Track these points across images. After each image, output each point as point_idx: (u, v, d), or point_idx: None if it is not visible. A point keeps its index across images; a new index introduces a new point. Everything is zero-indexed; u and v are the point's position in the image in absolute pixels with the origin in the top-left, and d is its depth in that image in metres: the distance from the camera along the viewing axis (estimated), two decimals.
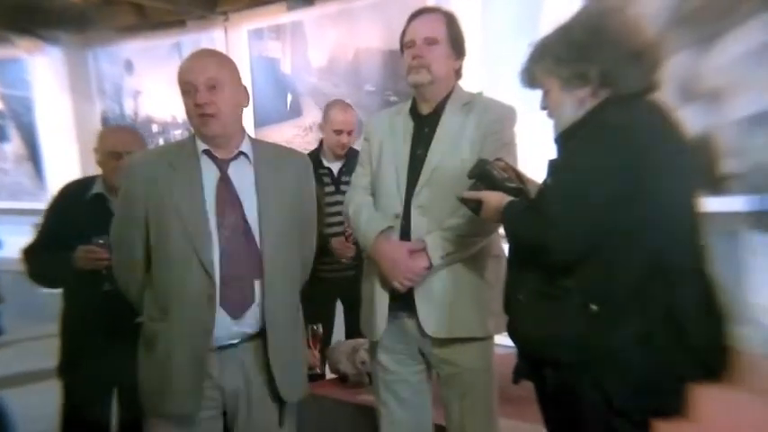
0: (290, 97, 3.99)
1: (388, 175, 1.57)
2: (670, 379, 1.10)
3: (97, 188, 1.86)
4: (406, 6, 1.68)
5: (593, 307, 1.08)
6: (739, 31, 2.20)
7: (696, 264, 1.11)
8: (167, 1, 4.03)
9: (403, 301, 1.54)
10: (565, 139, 1.19)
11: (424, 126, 1.57)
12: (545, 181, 1.22)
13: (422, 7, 1.59)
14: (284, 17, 3.94)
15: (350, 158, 2.52)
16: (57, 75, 5.00)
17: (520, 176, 1.34)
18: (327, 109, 2.57)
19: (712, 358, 1.09)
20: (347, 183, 2.32)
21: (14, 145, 5.39)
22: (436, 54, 1.52)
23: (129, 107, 4.98)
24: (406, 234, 1.54)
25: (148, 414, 1.48)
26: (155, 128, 4.86)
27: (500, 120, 1.55)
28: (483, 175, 1.31)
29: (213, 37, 4.27)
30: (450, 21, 1.56)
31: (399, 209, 1.55)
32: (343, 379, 2.15)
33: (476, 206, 1.31)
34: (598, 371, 1.09)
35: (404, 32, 1.58)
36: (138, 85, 4.90)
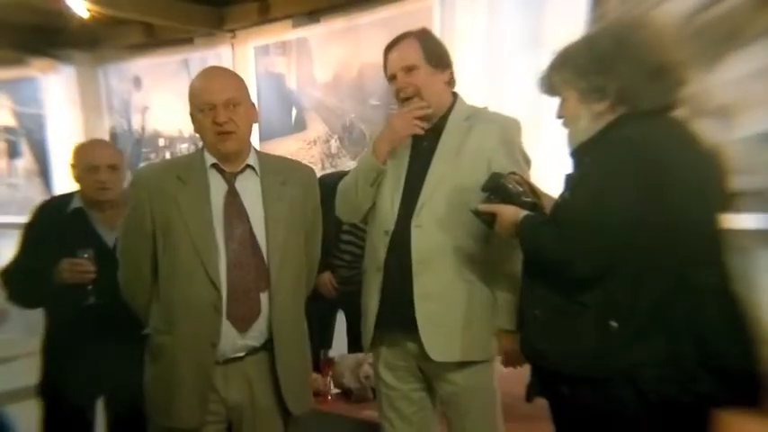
0: (294, 112, 4.03)
1: (385, 191, 1.56)
2: (695, 401, 1.06)
3: (76, 203, 1.84)
4: (411, 22, 1.70)
5: (613, 323, 1.06)
6: (746, 52, 2.21)
7: (721, 282, 1.08)
8: (176, 19, 4.09)
9: (400, 323, 1.51)
10: (581, 153, 1.17)
11: (423, 140, 1.55)
12: (562, 194, 1.20)
13: (394, 38, 1.60)
14: (290, 34, 4.00)
15: None
16: (68, 92, 5.08)
17: (534, 190, 1.32)
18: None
19: (742, 382, 1.05)
20: None
21: (26, 161, 5.46)
22: (420, 79, 1.51)
23: (136, 122, 5.04)
24: (398, 252, 1.50)
25: (153, 426, 1.48)
26: (161, 142, 4.91)
27: (506, 134, 1.53)
28: (497, 188, 1.29)
29: (220, 53, 4.34)
30: (423, 40, 1.55)
31: (391, 226, 1.52)
32: (346, 393, 2.13)
33: (490, 220, 1.30)
34: (618, 389, 1.06)
35: (384, 68, 1.59)
36: (146, 101, 4.97)
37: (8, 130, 5.52)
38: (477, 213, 1.33)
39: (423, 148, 1.55)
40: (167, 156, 4.83)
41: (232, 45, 4.28)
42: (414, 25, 1.67)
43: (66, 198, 1.88)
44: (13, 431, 1.54)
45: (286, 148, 3.98)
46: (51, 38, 4.77)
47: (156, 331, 1.46)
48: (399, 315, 1.50)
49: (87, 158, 1.83)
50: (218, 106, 1.40)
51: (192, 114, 1.46)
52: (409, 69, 1.51)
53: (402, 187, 1.54)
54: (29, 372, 1.89)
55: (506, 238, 1.31)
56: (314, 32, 3.88)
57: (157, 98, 4.89)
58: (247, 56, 4.18)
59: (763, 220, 2.00)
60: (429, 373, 1.55)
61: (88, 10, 3.64)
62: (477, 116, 1.56)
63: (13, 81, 5.35)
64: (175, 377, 1.41)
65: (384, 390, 1.60)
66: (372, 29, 3.57)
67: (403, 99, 1.54)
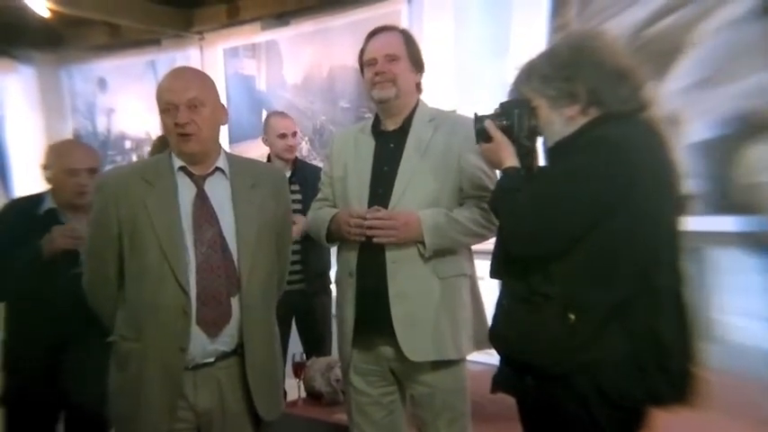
0: (264, 114, 4.02)
1: (351, 195, 1.56)
2: (650, 400, 1.09)
3: (48, 204, 1.81)
4: (378, 26, 1.72)
5: (571, 316, 1.08)
6: (685, 65, 2.34)
7: (677, 283, 1.11)
8: (141, 20, 4.02)
9: (375, 325, 1.50)
10: (555, 152, 1.20)
11: (389, 142, 1.56)
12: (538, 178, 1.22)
13: (378, 26, 1.62)
14: (259, 36, 3.98)
15: (298, 167, 2.61)
16: (28, 93, 4.94)
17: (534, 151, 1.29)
18: (266, 120, 2.70)
19: (684, 381, 1.09)
20: (296, 191, 2.37)
21: None
22: (399, 68, 1.53)
23: (102, 124, 4.93)
24: (371, 254, 1.50)
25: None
26: (128, 144, 4.82)
27: (472, 134, 1.52)
28: (511, 113, 1.24)
29: (189, 55, 4.28)
30: (407, 37, 1.59)
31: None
32: (317, 397, 2.12)
33: (486, 138, 1.27)
34: (579, 384, 1.08)
35: (363, 51, 1.59)
36: (112, 103, 4.86)
37: None
38: (479, 120, 1.28)
39: (388, 149, 1.55)
40: (134, 158, 4.74)
41: (200, 47, 4.23)
42: None
43: (37, 198, 1.84)
44: None
45: (256, 150, 3.94)
46: (10, 37, 4.62)
47: (122, 338, 1.43)
48: (374, 317, 1.49)
49: (67, 161, 1.79)
50: (180, 107, 1.36)
51: (159, 115, 1.44)
52: (391, 58, 1.53)
53: (368, 189, 1.53)
54: None
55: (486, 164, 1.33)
56: (283, 35, 3.87)
57: (123, 100, 4.80)
58: (216, 58, 4.14)
59: (703, 222, 2.10)
60: (402, 375, 1.55)
61: (49, 9, 3.54)
62: (442, 117, 1.58)
63: None
64: (143, 384, 1.38)
65: (354, 395, 1.59)
66: (342, 32, 3.59)
67: (377, 83, 1.53)
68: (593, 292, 1.08)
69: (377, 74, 1.53)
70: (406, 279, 1.48)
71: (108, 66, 4.77)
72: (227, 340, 1.42)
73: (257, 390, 1.44)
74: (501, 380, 1.23)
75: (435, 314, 1.48)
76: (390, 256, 1.48)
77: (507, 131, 1.24)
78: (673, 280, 1.11)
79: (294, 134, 2.62)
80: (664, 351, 1.07)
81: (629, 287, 1.08)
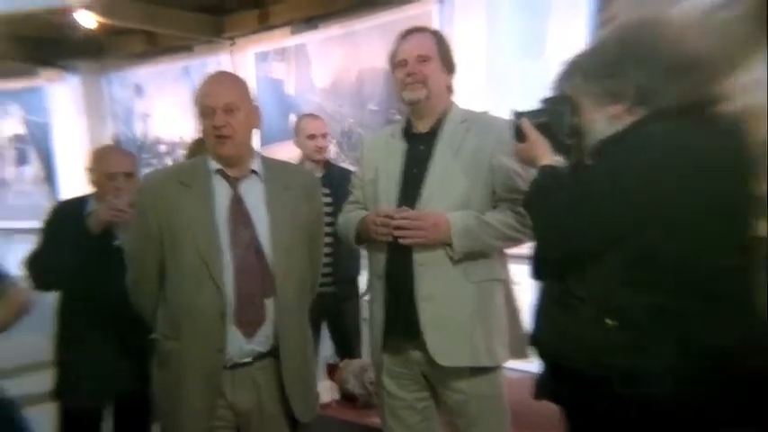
0: (293, 117, 4.07)
1: (381, 197, 1.54)
2: (697, 415, 1.00)
3: (92, 206, 1.87)
4: (409, 27, 1.71)
5: (609, 321, 1.03)
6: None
7: (744, 292, 1.03)
8: (176, 28, 4.14)
9: (404, 328, 1.48)
10: (597, 150, 1.13)
11: (420, 144, 1.54)
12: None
13: (410, 27, 1.61)
14: (289, 40, 4.02)
15: (329, 169, 2.62)
16: (73, 101, 5.15)
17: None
18: (297, 122, 2.72)
19: (746, 398, 0.99)
20: (327, 194, 2.33)
21: (34, 168, 5.54)
22: (431, 69, 1.51)
23: (138, 129, 5.09)
24: (399, 256, 1.48)
25: (164, 428, 1.50)
26: (162, 148, 4.96)
27: (504, 134, 1.46)
28: (553, 110, 1.20)
29: (220, 60, 4.38)
30: (439, 38, 1.57)
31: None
32: (351, 399, 2.11)
33: (521, 137, 1.23)
34: (618, 388, 1.01)
35: (394, 53, 1.57)
36: (148, 108, 5.01)
37: (18, 138, 5.59)
38: (517, 116, 1.24)
39: (418, 152, 1.53)
40: (168, 162, 4.87)
41: (231, 52, 4.32)
42: None
43: (82, 201, 1.92)
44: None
45: (285, 153, 3.99)
46: (58, 49, 4.86)
47: (163, 337, 1.47)
48: (402, 319, 1.48)
49: (105, 165, 1.87)
50: (217, 110, 1.41)
51: (197, 118, 1.48)
52: (423, 59, 1.51)
53: (398, 192, 1.52)
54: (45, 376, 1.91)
55: (519, 162, 1.29)
56: (312, 39, 3.90)
57: (158, 105, 4.93)
58: (247, 62, 4.22)
59: None
60: (434, 381, 1.52)
61: (95, 21, 3.71)
62: (473, 118, 1.55)
63: (23, 91, 5.43)
64: (183, 382, 1.42)
65: (387, 399, 1.58)
66: (370, 34, 3.59)
67: (408, 84, 1.51)
68: (634, 296, 1.03)
69: (408, 75, 1.51)
70: (435, 282, 1.46)
71: (144, 73, 4.91)
72: (262, 341, 1.44)
73: (293, 391, 1.46)
74: (543, 385, 1.19)
75: (466, 319, 1.45)
76: (418, 257, 1.46)
77: (546, 129, 1.21)
78: (738, 287, 1.03)
79: (324, 135, 2.62)
80: (721, 363, 0.99)
81: (678, 293, 1.01)
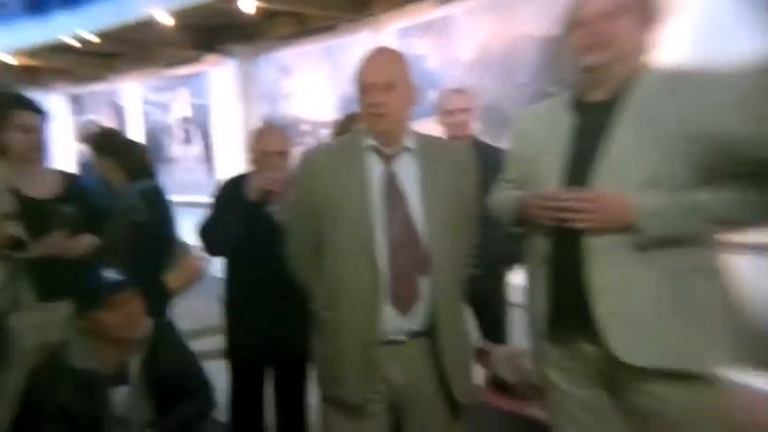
0: (432, 93, 4.01)
1: (545, 175, 1.36)
2: None
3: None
4: None
5: None
6: None
7: None
8: (323, 8, 4.28)
9: (573, 320, 1.31)
10: None
11: (594, 115, 1.32)
12: None
13: None
14: (434, 13, 3.92)
15: (475, 148, 2.45)
16: (228, 84, 5.64)
17: None
18: (439, 98, 2.60)
19: None
20: None
21: (197, 147, 6.21)
22: (621, 27, 1.26)
23: (283, 108, 5.40)
24: (567, 239, 1.30)
25: (324, 393, 1.54)
26: (304, 127, 5.21)
27: (733, 97, 1.17)
28: None
29: (361, 38, 4.45)
30: None
31: None
32: (501, 386, 2.01)
33: None
34: None
35: (570, 11, 1.33)
36: (292, 88, 5.28)
37: (185, 119, 6.30)
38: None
39: (592, 124, 1.32)
40: (309, 141, 5.11)
41: (374, 29, 4.36)
42: None
43: (244, 176, 2.04)
44: (210, 385, 1.75)
45: (425, 129, 3.98)
46: (220, 35, 5.34)
47: (321, 307, 1.51)
48: (572, 310, 1.32)
49: (260, 144, 1.98)
50: (373, 87, 1.41)
51: (358, 94, 1.48)
52: (609, 17, 1.26)
53: (564, 170, 1.33)
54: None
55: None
56: (460, 8, 3.75)
57: (303, 85, 5.18)
58: (388, 39, 4.22)
59: None
60: (618, 381, 1.32)
61: (254, 6, 3.99)
62: (681, 80, 1.26)
63: (190, 76, 6.07)
64: (339, 353, 1.44)
65: (554, 394, 1.43)
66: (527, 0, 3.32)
67: (585, 47, 1.29)
68: None
69: (587, 36, 1.29)
70: (614, 269, 1.27)
71: (291, 54, 5.17)
72: (417, 319, 1.42)
73: (452, 370, 1.43)
74: None
75: (656, 313, 1.24)
76: (591, 242, 1.28)
77: None
78: None
79: (464, 110, 2.50)
80: None
81: None
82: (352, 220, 1.41)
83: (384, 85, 1.40)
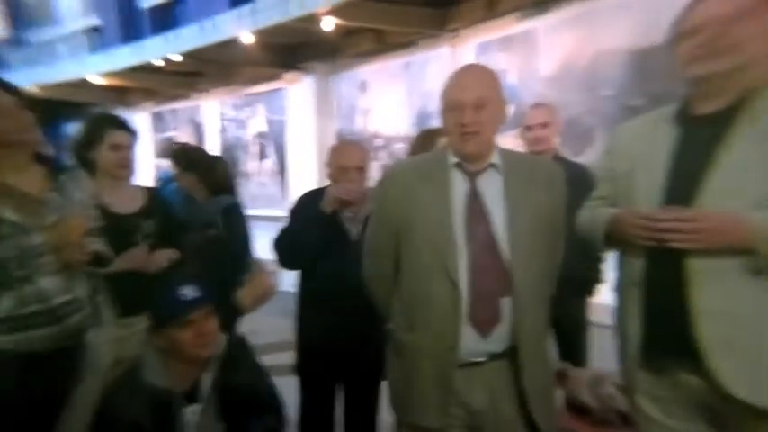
0: (512, 108, 3.88)
1: (642, 192, 1.28)
2: None
3: None
4: (658, 1, 1.36)
5: None
6: None
7: None
8: (403, 24, 4.28)
9: (672, 347, 1.23)
10: None
11: (703, 128, 1.22)
12: None
13: None
14: (515, 28, 3.86)
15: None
16: (306, 100, 5.78)
17: None
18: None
19: None
20: None
21: (271, 162, 6.39)
22: (743, 32, 1.15)
23: (359, 124, 5.45)
24: (666, 260, 1.22)
25: (399, 416, 1.51)
26: (379, 142, 5.21)
27: None
28: None
29: (440, 54, 4.40)
30: None
31: None
32: (581, 411, 1.92)
33: None
34: None
35: (683, 18, 1.25)
36: (369, 104, 5.33)
37: (261, 135, 6.52)
38: None
39: (700, 138, 1.23)
40: (383, 156, 5.10)
41: (453, 45, 4.30)
42: (668, 4, 1.36)
43: (321, 190, 2.04)
44: (282, 402, 1.71)
45: (504, 144, 3.85)
46: (300, 53, 5.49)
47: (398, 328, 1.48)
48: (670, 337, 1.23)
49: (339, 160, 1.98)
50: (466, 106, 1.36)
51: (441, 112, 1.44)
52: (731, 20, 1.17)
53: (664, 185, 1.25)
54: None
55: None
56: (542, 23, 3.70)
57: (379, 100, 5.21)
58: (467, 55, 4.15)
59: None
60: (725, 415, 1.23)
61: (334, 24, 4.05)
62: None
63: (268, 93, 6.29)
64: (416, 376, 1.41)
65: (646, 424, 1.34)
66: (611, 12, 3.25)
67: (700, 56, 1.19)
68: None
69: (702, 45, 1.19)
70: (723, 294, 1.17)
71: (369, 69, 5.25)
72: (497, 341, 1.38)
73: (533, 394, 1.38)
74: None
75: None
76: (695, 264, 1.19)
77: None
78: None
79: (544, 125, 2.41)
80: None
81: None
82: (433, 237, 1.38)
83: (475, 103, 1.36)
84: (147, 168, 7.24)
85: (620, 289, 1.38)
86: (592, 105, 3.45)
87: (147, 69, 5.99)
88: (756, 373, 1.15)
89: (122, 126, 1.99)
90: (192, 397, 1.58)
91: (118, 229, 1.85)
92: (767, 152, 1.15)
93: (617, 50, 3.22)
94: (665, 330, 1.25)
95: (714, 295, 1.18)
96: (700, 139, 1.23)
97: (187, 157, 2.59)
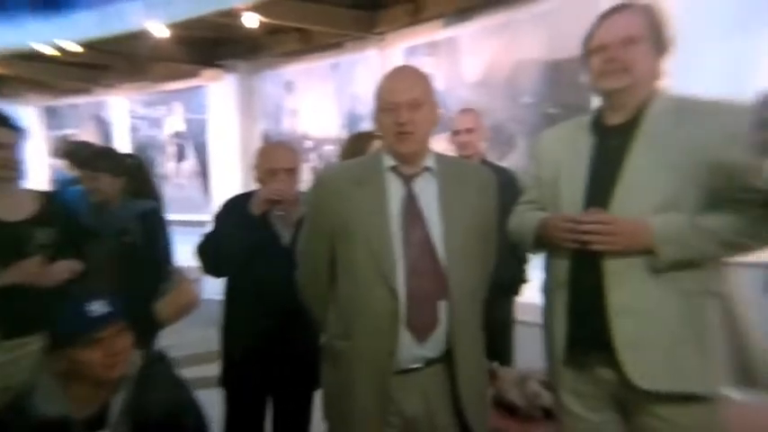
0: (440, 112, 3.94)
1: (565, 197, 1.38)
2: None
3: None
4: (574, 15, 1.46)
5: None
6: None
7: None
8: (330, 25, 4.23)
9: (591, 344, 1.33)
10: None
11: (613, 138, 1.35)
12: None
13: (616, 5, 1.38)
14: (440, 34, 3.93)
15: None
16: (228, 99, 5.54)
17: None
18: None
19: None
20: None
21: (190, 163, 6.07)
22: (636, 54, 1.30)
23: (286, 125, 5.32)
24: (586, 263, 1.32)
25: (333, 428, 1.48)
26: (308, 143, 5.12)
27: (733, 126, 1.22)
28: None
29: (368, 56, 4.40)
30: (651, 15, 1.34)
31: None
32: (509, 409, 1.98)
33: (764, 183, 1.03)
34: None
35: (591, 36, 1.38)
36: (296, 105, 5.22)
37: (178, 134, 6.17)
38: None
39: (611, 147, 1.35)
40: (313, 157, 5.01)
41: (380, 47, 4.31)
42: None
43: (248, 194, 1.96)
44: (206, 421, 1.59)
45: (436, 148, 3.92)
46: (220, 49, 5.25)
47: (333, 336, 1.45)
48: (590, 334, 1.33)
49: (267, 161, 1.89)
50: (401, 106, 1.36)
51: (375, 113, 1.43)
52: (629, 41, 1.31)
53: (585, 192, 1.35)
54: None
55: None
56: (465, 31, 3.79)
57: (307, 101, 5.12)
58: (395, 58, 4.18)
59: None
60: (630, 405, 1.35)
61: (259, 21, 3.90)
62: (689, 107, 1.31)
63: (186, 90, 5.97)
64: (353, 385, 1.39)
65: (567, 419, 1.43)
66: (530, 24, 3.39)
67: (606, 72, 1.33)
68: None
69: (608, 62, 1.33)
70: (632, 293, 1.29)
71: (295, 70, 5.14)
72: (434, 346, 1.38)
73: (468, 400, 1.39)
74: None
75: (671, 337, 1.27)
76: (610, 265, 1.30)
77: None
78: None
79: (469, 131, 2.49)
80: None
81: None
82: (369, 241, 1.37)
83: (410, 103, 1.36)
84: (39, 170, 6.50)
85: (548, 290, 1.45)
86: (514, 112, 3.58)
87: (33, 57, 5.28)
88: (656, 364, 1.27)
89: (3, 122, 1.71)
90: (98, 423, 1.42)
91: (6, 239, 1.65)
92: (659, 163, 1.28)
93: (535, 61, 3.37)
94: (587, 328, 1.33)
95: (625, 294, 1.29)
96: (610, 148, 1.36)
97: (95, 157, 2.36)
